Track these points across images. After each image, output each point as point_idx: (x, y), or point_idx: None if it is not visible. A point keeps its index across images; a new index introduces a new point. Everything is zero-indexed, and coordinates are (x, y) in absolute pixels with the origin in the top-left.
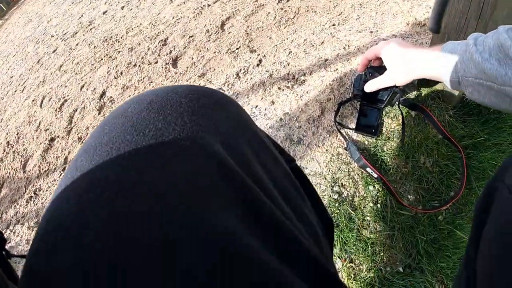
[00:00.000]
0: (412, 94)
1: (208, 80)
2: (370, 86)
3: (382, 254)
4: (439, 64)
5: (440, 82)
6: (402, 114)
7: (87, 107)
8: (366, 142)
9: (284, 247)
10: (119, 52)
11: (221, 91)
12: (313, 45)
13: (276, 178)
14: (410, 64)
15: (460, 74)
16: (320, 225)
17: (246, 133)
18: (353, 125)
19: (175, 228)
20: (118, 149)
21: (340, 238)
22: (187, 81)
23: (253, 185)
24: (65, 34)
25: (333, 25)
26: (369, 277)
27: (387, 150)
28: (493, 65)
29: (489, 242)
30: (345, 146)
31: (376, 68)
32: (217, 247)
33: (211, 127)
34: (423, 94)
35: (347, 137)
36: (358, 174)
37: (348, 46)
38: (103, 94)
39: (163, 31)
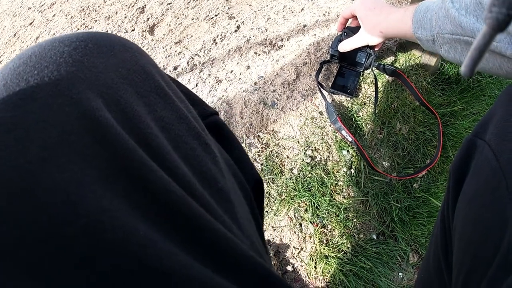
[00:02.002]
0: (390, 60)
1: (184, 46)
2: (344, 46)
3: (355, 220)
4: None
5: (417, 45)
6: (375, 76)
7: None
8: (342, 107)
9: (184, 226)
10: (96, 21)
11: (197, 56)
12: (292, 12)
13: (178, 137)
14: (384, 23)
15: (435, 31)
16: (245, 186)
17: (139, 83)
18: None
19: (28, 209)
20: None
21: (312, 203)
22: (163, 48)
23: (140, 151)
24: (42, 5)
25: None
26: (341, 243)
27: (362, 115)
28: (470, 20)
29: (468, 201)
30: (320, 110)
31: (352, 28)
32: (88, 233)
33: (92, 79)
34: (400, 60)
35: (326, 97)
36: (332, 139)
37: (328, 13)
38: None
39: None
